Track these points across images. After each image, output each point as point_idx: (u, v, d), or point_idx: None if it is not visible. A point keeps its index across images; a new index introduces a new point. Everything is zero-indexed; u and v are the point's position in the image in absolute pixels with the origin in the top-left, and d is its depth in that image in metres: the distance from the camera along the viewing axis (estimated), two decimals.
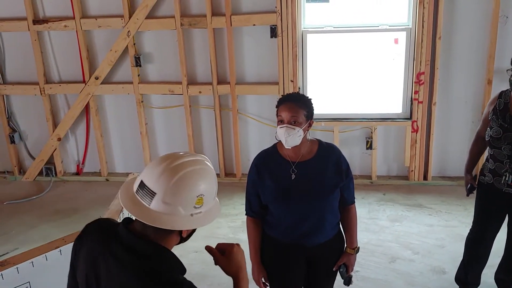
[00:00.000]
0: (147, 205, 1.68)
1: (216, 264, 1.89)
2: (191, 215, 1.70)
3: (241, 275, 1.88)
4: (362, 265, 4.13)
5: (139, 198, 1.70)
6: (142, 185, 1.70)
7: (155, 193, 1.67)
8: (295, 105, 2.59)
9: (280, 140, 2.66)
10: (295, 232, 2.73)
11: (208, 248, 1.91)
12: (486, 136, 3.27)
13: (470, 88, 5.15)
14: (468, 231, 3.61)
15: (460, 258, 3.69)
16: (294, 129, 2.55)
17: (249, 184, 2.79)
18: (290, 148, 2.62)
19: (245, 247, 2.96)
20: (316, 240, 2.75)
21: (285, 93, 5.10)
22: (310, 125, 2.65)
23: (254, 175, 2.75)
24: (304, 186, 2.66)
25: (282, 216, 2.73)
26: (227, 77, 5.37)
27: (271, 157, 2.74)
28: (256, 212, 2.80)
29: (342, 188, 2.74)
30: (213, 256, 1.90)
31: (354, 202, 2.87)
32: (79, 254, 1.82)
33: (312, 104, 2.67)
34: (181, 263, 1.77)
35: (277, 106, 2.66)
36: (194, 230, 1.80)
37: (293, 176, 2.66)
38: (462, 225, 4.60)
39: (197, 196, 1.70)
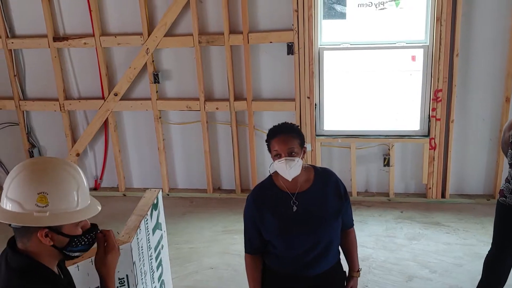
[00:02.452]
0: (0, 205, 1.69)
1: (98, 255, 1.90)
2: (33, 213, 1.63)
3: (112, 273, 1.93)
4: (379, 283, 4.09)
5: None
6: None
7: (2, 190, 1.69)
8: (290, 136, 2.51)
9: (274, 172, 2.58)
10: (299, 263, 2.62)
11: (106, 232, 1.91)
12: (509, 159, 3.24)
13: (488, 105, 5.12)
14: (486, 250, 3.56)
15: (478, 277, 3.64)
16: (294, 160, 2.47)
17: (248, 221, 2.66)
18: (290, 179, 2.52)
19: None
20: (319, 269, 2.65)
21: (301, 110, 5.14)
22: (304, 152, 2.57)
23: (253, 211, 2.63)
24: (307, 217, 2.56)
25: (287, 249, 2.61)
26: (244, 93, 5.40)
27: (268, 191, 2.63)
28: (257, 249, 2.68)
29: (341, 212, 2.66)
30: (104, 242, 1.89)
31: (353, 225, 2.80)
32: None
33: (301, 131, 2.62)
34: (49, 279, 1.71)
35: (268, 140, 2.57)
36: (71, 243, 1.72)
37: (295, 208, 2.56)
38: (480, 243, 4.54)
39: (38, 193, 1.63)
